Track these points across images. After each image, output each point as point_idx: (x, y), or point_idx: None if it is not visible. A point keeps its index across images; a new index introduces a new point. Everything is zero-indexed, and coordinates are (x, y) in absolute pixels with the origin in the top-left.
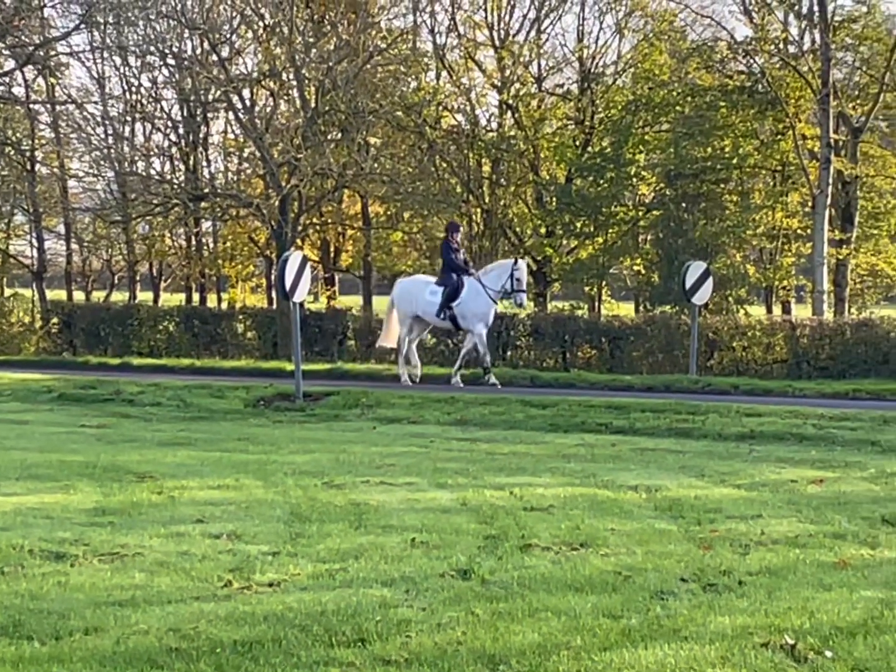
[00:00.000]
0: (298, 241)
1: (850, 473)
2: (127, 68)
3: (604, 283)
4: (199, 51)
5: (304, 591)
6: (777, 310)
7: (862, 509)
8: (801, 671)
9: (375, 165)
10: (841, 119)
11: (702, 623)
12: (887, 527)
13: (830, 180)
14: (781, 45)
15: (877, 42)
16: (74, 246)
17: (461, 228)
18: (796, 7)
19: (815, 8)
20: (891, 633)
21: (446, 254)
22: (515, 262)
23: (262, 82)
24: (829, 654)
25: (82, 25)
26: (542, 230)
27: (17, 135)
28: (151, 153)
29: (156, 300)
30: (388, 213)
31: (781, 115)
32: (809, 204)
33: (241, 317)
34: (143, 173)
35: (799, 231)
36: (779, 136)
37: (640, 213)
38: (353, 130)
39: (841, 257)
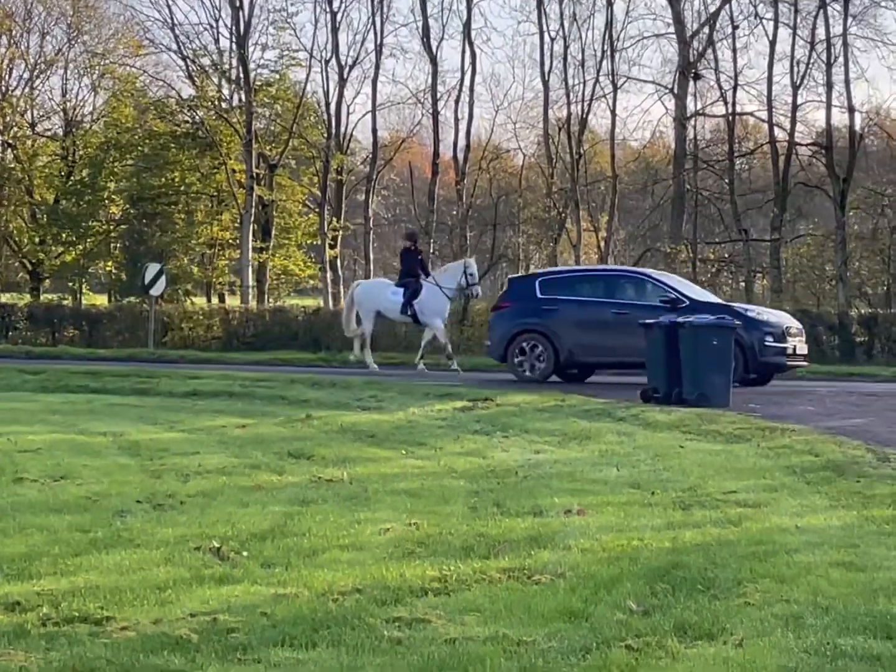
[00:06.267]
0: None
1: (266, 420)
2: None
3: (84, 280)
4: None
5: None
6: (215, 300)
7: (274, 446)
8: (224, 567)
9: None
10: (261, 158)
11: (151, 534)
12: (291, 459)
13: (253, 203)
14: (217, 102)
15: (287, 101)
16: None
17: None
18: (227, 73)
19: (241, 74)
20: (291, 536)
21: (410, 260)
22: (466, 263)
23: None
24: (245, 553)
25: None
26: (36, 240)
27: None
28: None
29: None
30: None
31: (217, 154)
32: (239, 220)
33: None
34: None
35: (230, 241)
36: (215, 170)
37: (112, 227)
38: None
39: (261, 260)
